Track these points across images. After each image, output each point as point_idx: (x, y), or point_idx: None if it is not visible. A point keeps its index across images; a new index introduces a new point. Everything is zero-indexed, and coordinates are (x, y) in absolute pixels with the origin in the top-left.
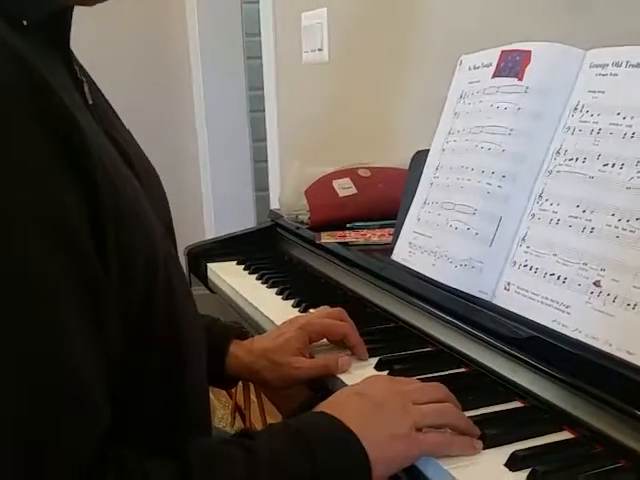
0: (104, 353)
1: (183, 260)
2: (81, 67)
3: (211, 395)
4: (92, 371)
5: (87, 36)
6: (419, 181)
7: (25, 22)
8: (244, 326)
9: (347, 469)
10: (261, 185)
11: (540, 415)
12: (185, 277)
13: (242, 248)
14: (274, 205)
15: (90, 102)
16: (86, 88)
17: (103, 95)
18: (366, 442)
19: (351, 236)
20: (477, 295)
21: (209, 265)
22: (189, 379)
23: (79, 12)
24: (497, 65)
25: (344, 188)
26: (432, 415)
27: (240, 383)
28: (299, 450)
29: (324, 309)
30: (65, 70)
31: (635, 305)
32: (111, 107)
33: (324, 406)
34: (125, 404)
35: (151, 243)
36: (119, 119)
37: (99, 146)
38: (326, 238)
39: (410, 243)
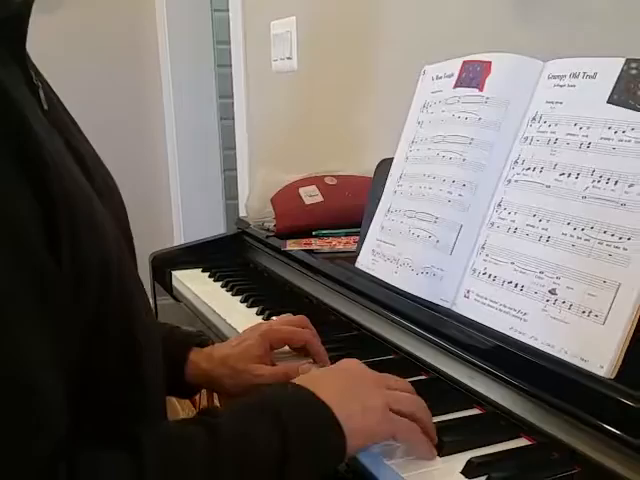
0: (61, 359)
1: (147, 267)
2: (37, 72)
3: (175, 404)
4: (48, 376)
5: (55, 40)
6: (383, 189)
7: None
8: (207, 334)
9: (321, 442)
10: (231, 193)
11: (497, 422)
12: (143, 289)
13: (208, 256)
14: (244, 213)
15: (45, 107)
16: (41, 93)
17: (60, 100)
18: (341, 414)
19: (316, 244)
20: (438, 302)
21: (174, 273)
22: (146, 387)
23: (46, 20)
24: (459, 75)
25: (310, 196)
26: (405, 401)
27: (204, 391)
28: (269, 424)
29: (286, 316)
30: (21, 75)
31: (590, 312)
32: (67, 112)
33: (302, 380)
34: (80, 409)
35: (105, 251)
36: (75, 124)
37: (54, 153)
38: (292, 245)
39: (373, 251)
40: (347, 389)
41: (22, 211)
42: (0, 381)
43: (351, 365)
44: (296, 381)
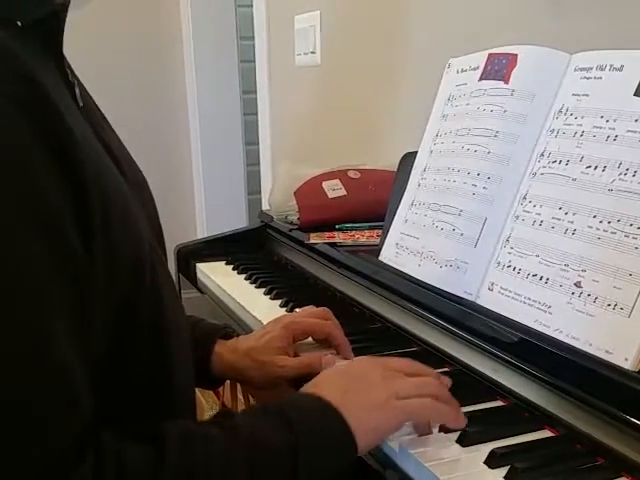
0: (88, 348)
1: (172, 260)
2: (71, 69)
3: (199, 396)
4: (75, 364)
5: (82, 39)
6: (407, 183)
7: (19, 23)
8: (231, 326)
9: (328, 438)
10: (254, 188)
11: (521, 414)
12: (172, 280)
13: (231, 248)
14: (267, 207)
15: (81, 104)
16: (77, 91)
17: (92, 98)
18: (345, 412)
19: (339, 237)
20: (462, 295)
21: (198, 265)
22: (175, 379)
23: (73, 16)
24: (484, 68)
25: (333, 189)
26: (412, 386)
27: (227, 383)
28: (277, 423)
29: (309, 308)
30: (57, 72)
31: (615, 305)
32: (100, 110)
33: (305, 387)
34: (109, 402)
35: (138, 244)
36: (108, 123)
37: (90, 148)
38: (315, 239)
39: (397, 244)
40: (351, 389)
41: (56, 202)
42: (29, 362)
43: (356, 365)
44: (303, 388)
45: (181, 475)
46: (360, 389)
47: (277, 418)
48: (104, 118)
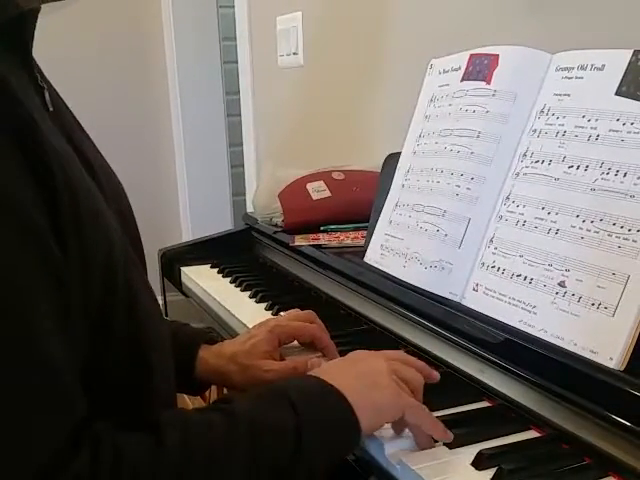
0: (74, 347)
1: (157, 264)
2: (42, 74)
3: (186, 399)
4: (66, 363)
5: (63, 41)
6: (391, 184)
7: None
8: (216, 329)
9: (332, 419)
10: (238, 190)
11: (507, 415)
12: (151, 287)
13: (216, 251)
14: (251, 209)
15: (51, 109)
16: (47, 95)
17: (64, 103)
18: (349, 394)
19: (324, 239)
20: (447, 296)
21: (183, 269)
22: (154, 384)
23: (55, 18)
24: (466, 69)
25: (318, 191)
26: (413, 371)
27: (214, 388)
28: (279, 405)
29: (294, 312)
30: (26, 76)
31: (599, 305)
32: (73, 115)
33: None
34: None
35: (109, 250)
36: (81, 127)
37: (59, 152)
38: (300, 241)
39: (382, 245)
40: (353, 371)
41: (27, 200)
42: (23, 364)
43: (356, 354)
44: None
45: (182, 459)
46: (362, 371)
47: (279, 400)
48: (78, 124)
